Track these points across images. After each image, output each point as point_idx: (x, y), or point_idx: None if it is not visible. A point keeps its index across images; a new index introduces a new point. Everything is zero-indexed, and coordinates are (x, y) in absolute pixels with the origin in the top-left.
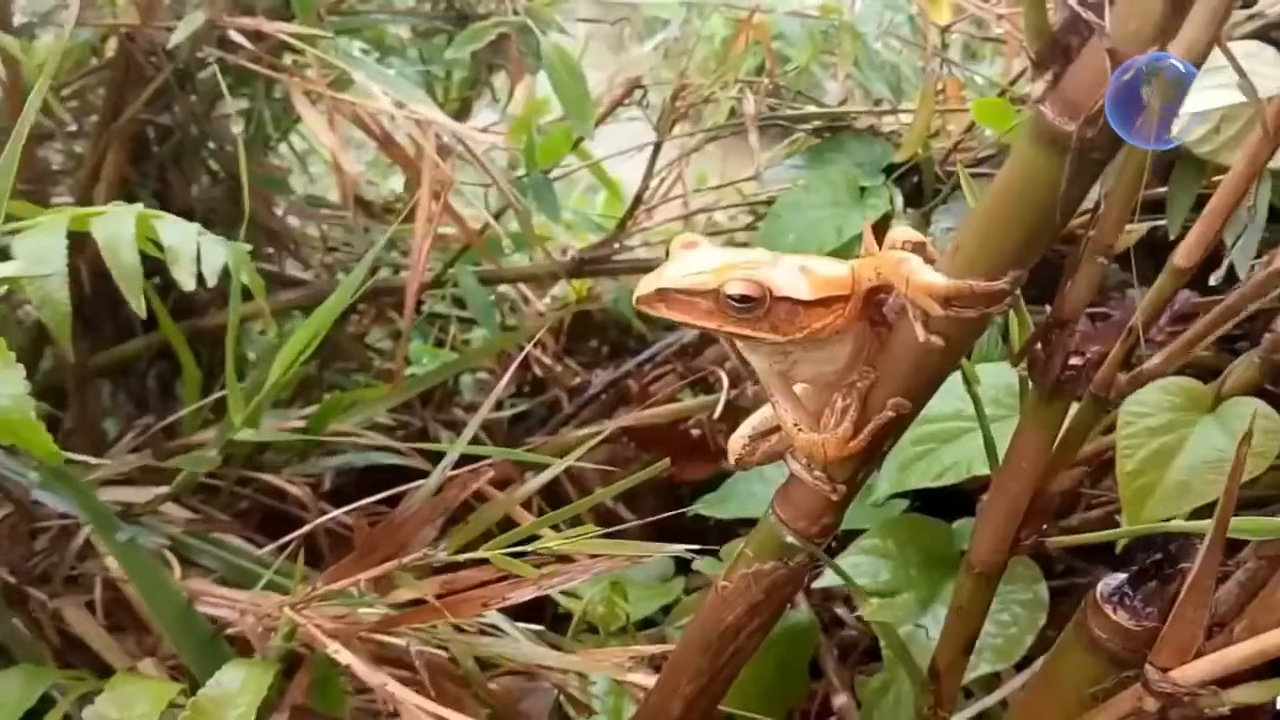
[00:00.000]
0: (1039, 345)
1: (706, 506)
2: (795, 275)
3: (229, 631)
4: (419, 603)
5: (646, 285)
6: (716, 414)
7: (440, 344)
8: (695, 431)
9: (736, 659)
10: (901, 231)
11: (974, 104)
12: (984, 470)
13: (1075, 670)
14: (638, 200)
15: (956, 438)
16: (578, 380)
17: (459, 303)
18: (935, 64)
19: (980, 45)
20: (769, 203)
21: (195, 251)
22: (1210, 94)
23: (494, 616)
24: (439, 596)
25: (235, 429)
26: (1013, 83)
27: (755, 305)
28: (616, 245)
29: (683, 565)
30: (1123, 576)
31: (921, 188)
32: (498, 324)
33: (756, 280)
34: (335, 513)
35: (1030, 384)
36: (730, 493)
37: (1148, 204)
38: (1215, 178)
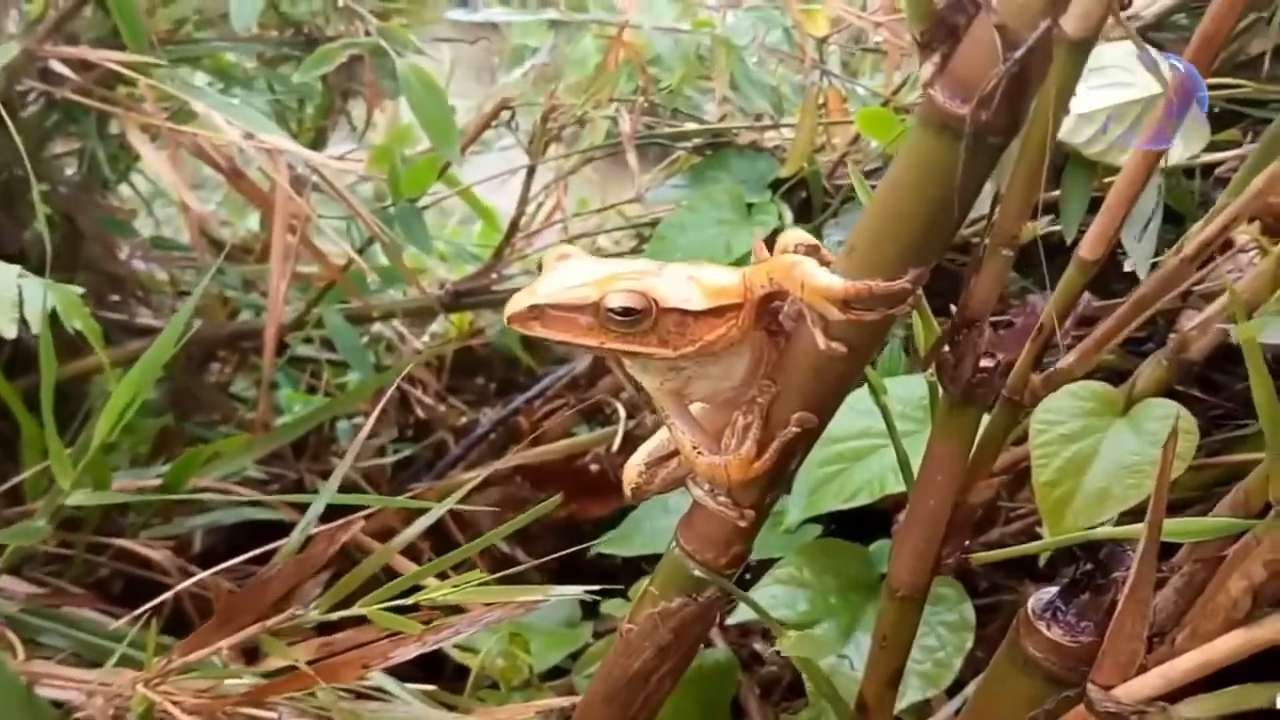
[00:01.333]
0: (947, 348)
1: (609, 545)
2: (683, 284)
3: (77, 716)
4: (292, 669)
5: (519, 302)
6: (615, 446)
7: (312, 390)
8: (594, 467)
9: (648, 707)
10: (793, 234)
11: (858, 115)
12: (898, 488)
13: (1012, 693)
14: (514, 227)
15: (866, 455)
16: (464, 420)
17: (330, 345)
18: (815, 76)
19: (859, 60)
20: (653, 224)
21: (16, 296)
22: (1096, 95)
23: (382, 679)
24: (313, 661)
25: (65, 493)
26: (895, 93)
27: (640, 318)
28: (494, 275)
29: (591, 609)
30: (1053, 591)
31: (810, 202)
32: (372, 364)
33: (640, 291)
34: (198, 576)
35: (940, 392)
36: (633, 528)
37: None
38: (1107, 179)
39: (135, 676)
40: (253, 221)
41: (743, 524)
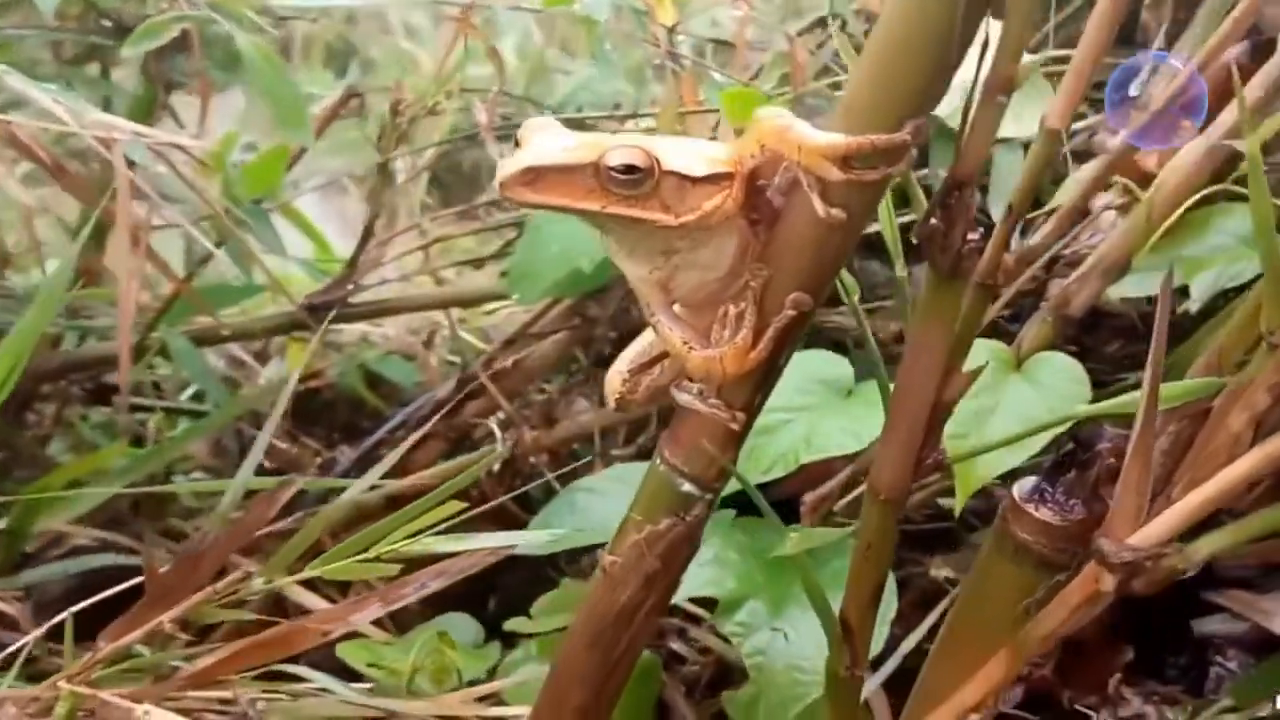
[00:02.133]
0: (936, 217)
1: (538, 540)
2: (678, 149)
3: None
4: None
5: (510, 166)
6: (496, 468)
7: (138, 442)
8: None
9: (633, 649)
10: (769, 111)
11: (722, 95)
12: (813, 456)
13: (1003, 586)
14: (368, 232)
15: (776, 430)
16: (320, 460)
17: (159, 389)
18: (671, 63)
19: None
20: (519, 225)
21: None
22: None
23: (324, 679)
24: (265, 626)
25: None
26: (754, 78)
27: (643, 178)
28: (351, 285)
29: (493, 632)
30: (1035, 478)
31: None
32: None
33: (643, 149)
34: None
35: (929, 267)
36: (557, 515)
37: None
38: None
39: (56, 676)
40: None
41: (735, 426)
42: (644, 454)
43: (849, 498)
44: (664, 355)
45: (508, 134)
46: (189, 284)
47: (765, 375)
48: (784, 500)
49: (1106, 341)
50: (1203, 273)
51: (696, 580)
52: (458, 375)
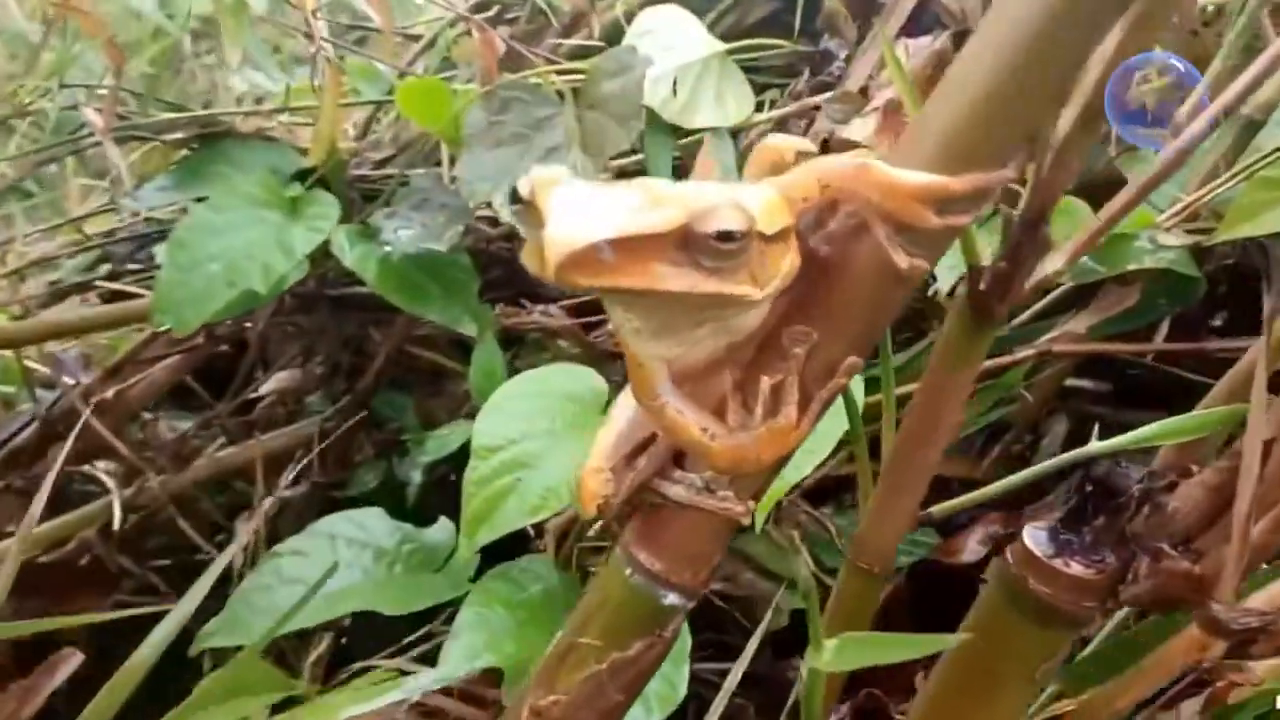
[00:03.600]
0: (1006, 257)
1: (220, 637)
2: (747, 198)
3: None
4: None
5: (564, 241)
6: (116, 524)
7: None
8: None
9: None
10: (778, 140)
11: (399, 91)
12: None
13: (1020, 648)
14: None
15: (539, 460)
16: None
17: None
18: (323, 50)
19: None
20: (154, 236)
21: None
22: (659, 57)
23: None
24: None
25: None
26: (412, 62)
27: (743, 244)
28: None
29: None
30: (1044, 528)
31: (346, 192)
32: None
33: (740, 206)
34: None
35: (969, 311)
36: (245, 609)
37: None
38: (684, 140)
39: None
40: None
41: (747, 520)
42: (325, 490)
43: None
44: (648, 443)
45: (129, 137)
46: None
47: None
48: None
49: None
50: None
51: (465, 653)
52: (32, 413)
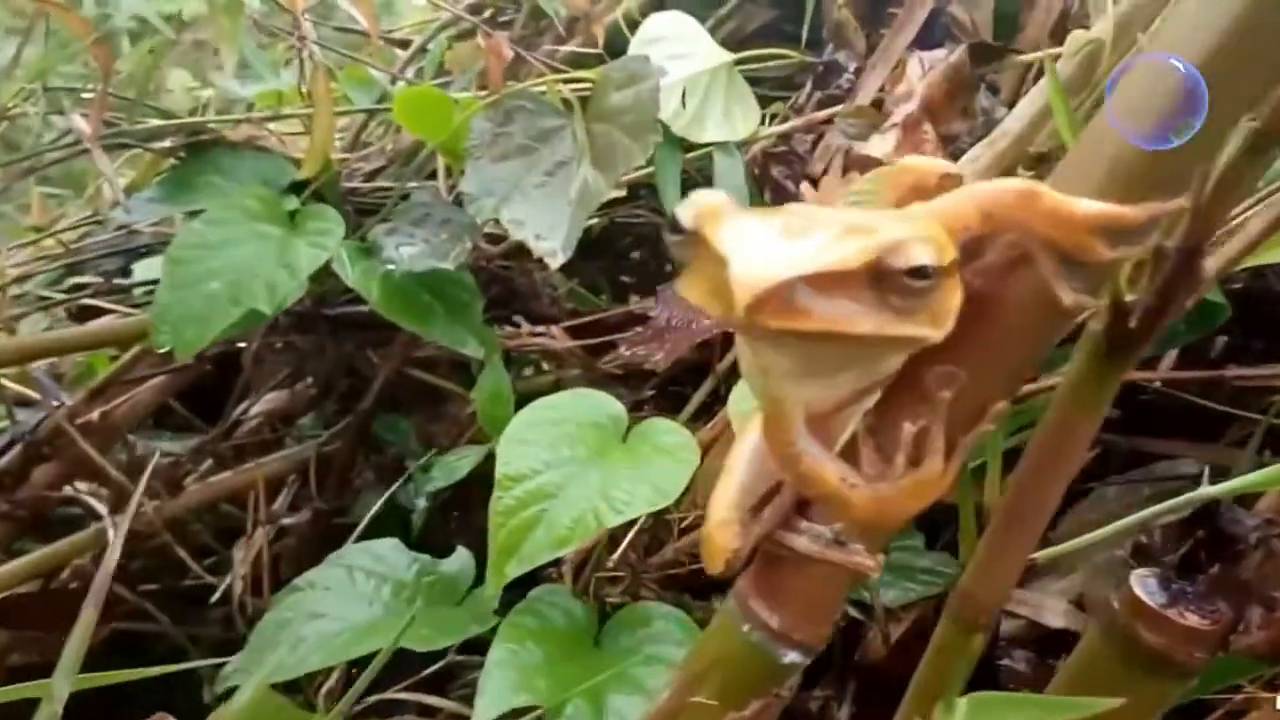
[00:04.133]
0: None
1: (239, 675)
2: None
3: None
4: None
5: (755, 280)
6: (114, 552)
7: None
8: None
9: None
10: (920, 163)
11: (396, 100)
12: (619, 518)
13: (1134, 703)
14: None
15: (563, 489)
16: None
17: None
18: (313, 54)
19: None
20: (142, 251)
21: None
22: (666, 65)
23: None
24: None
25: None
26: (404, 68)
27: (937, 280)
28: None
29: None
30: (1149, 577)
31: (341, 205)
32: None
33: (931, 239)
34: None
35: (1104, 345)
36: (266, 644)
37: None
38: (690, 154)
39: None
40: None
41: (878, 574)
42: (327, 517)
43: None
44: (773, 493)
45: (117, 145)
46: None
47: None
48: None
49: None
50: None
51: (499, 694)
52: (12, 434)
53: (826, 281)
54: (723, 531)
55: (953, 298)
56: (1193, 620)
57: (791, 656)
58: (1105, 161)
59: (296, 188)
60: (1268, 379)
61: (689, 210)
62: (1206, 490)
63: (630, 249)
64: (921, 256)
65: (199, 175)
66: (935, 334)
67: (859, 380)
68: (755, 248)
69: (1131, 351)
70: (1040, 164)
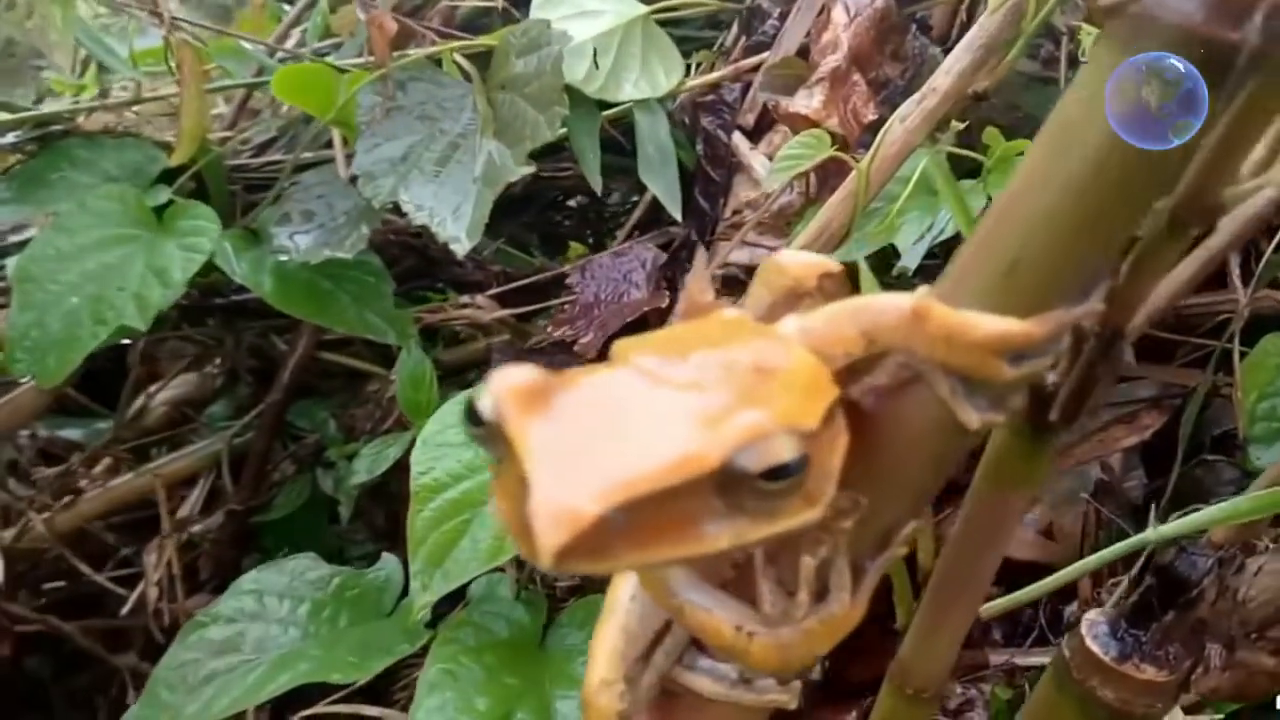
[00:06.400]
0: (1081, 371)
1: None
2: (779, 359)
3: None
4: None
5: (559, 518)
6: None
7: None
8: None
9: None
10: (792, 260)
11: (275, 78)
12: None
13: None
14: None
15: (484, 498)
16: None
17: None
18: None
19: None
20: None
21: None
22: (575, 26)
23: None
24: None
25: None
26: (282, 40)
27: (803, 472)
28: None
29: None
30: (1101, 626)
31: (207, 195)
32: None
33: (796, 428)
34: None
35: (1028, 426)
36: (167, 693)
37: None
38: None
39: None
40: None
41: (794, 705)
42: (243, 517)
43: None
44: (660, 638)
45: None
46: None
47: None
48: None
49: None
50: (903, 230)
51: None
52: None
53: (658, 500)
54: (603, 695)
55: (834, 455)
56: (1149, 673)
57: None
58: (994, 261)
59: (169, 176)
60: (1209, 306)
61: (488, 397)
62: (1159, 530)
63: (561, 199)
64: (781, 453)
65: (51, 171)
66: (813, 514)
67: (737, 548)
68: (561, 465)
69: (1055, 434)
70: (977, 102)
